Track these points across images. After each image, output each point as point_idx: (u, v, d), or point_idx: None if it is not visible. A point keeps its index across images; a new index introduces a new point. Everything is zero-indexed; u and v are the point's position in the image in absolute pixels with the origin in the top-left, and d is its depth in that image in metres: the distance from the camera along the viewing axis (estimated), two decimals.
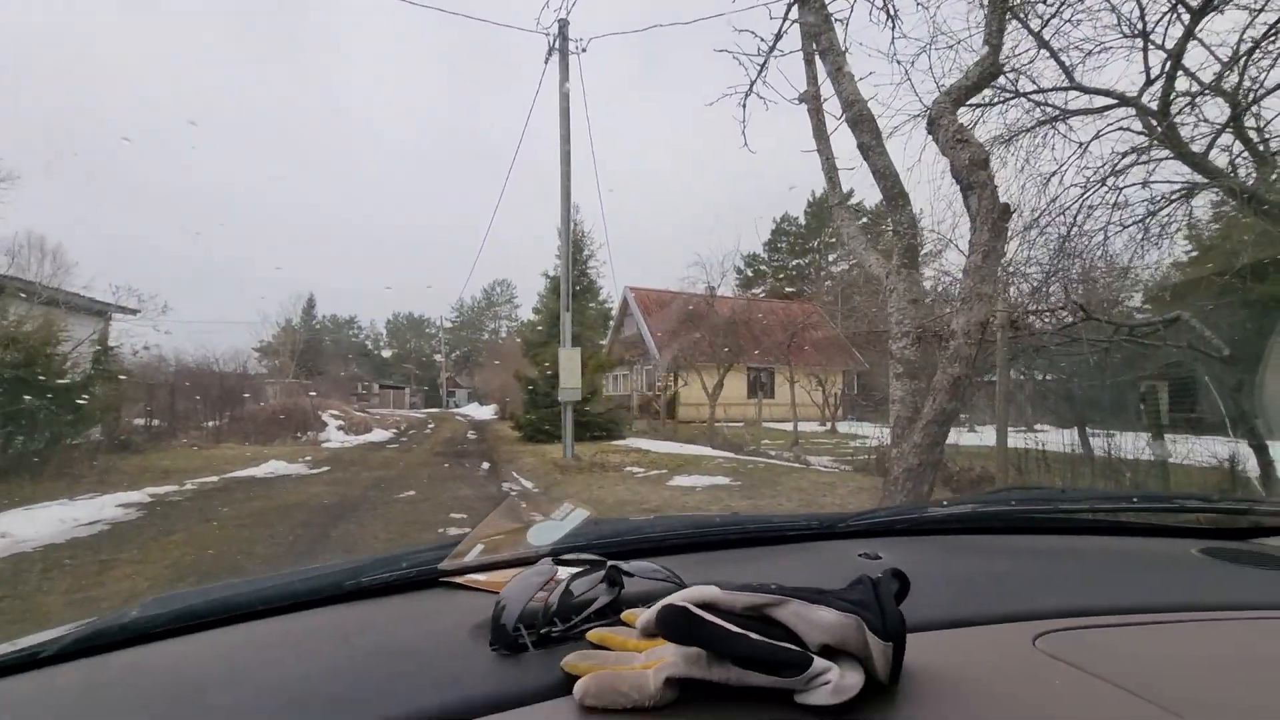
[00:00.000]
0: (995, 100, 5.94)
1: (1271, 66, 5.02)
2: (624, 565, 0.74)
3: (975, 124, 6.08)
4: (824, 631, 0.56)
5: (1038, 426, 9.26)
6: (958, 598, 0.72)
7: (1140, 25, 5.29)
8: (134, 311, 12.09)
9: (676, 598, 0.61)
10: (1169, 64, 5.13)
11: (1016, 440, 6.91)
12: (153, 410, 13.31)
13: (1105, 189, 5.88)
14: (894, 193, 2.86)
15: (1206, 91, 5.21)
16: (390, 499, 6.77)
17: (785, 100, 3.64)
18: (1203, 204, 6.62)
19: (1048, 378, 9.36)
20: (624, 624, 0.64)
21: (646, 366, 23.58)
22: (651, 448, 13.09)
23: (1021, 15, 5.12)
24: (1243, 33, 5.07)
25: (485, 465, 11.15)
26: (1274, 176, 5.73)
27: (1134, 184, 5.93)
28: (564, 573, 0.71)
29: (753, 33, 3.66)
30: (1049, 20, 5.24)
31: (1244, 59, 5.08)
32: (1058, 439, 7.57)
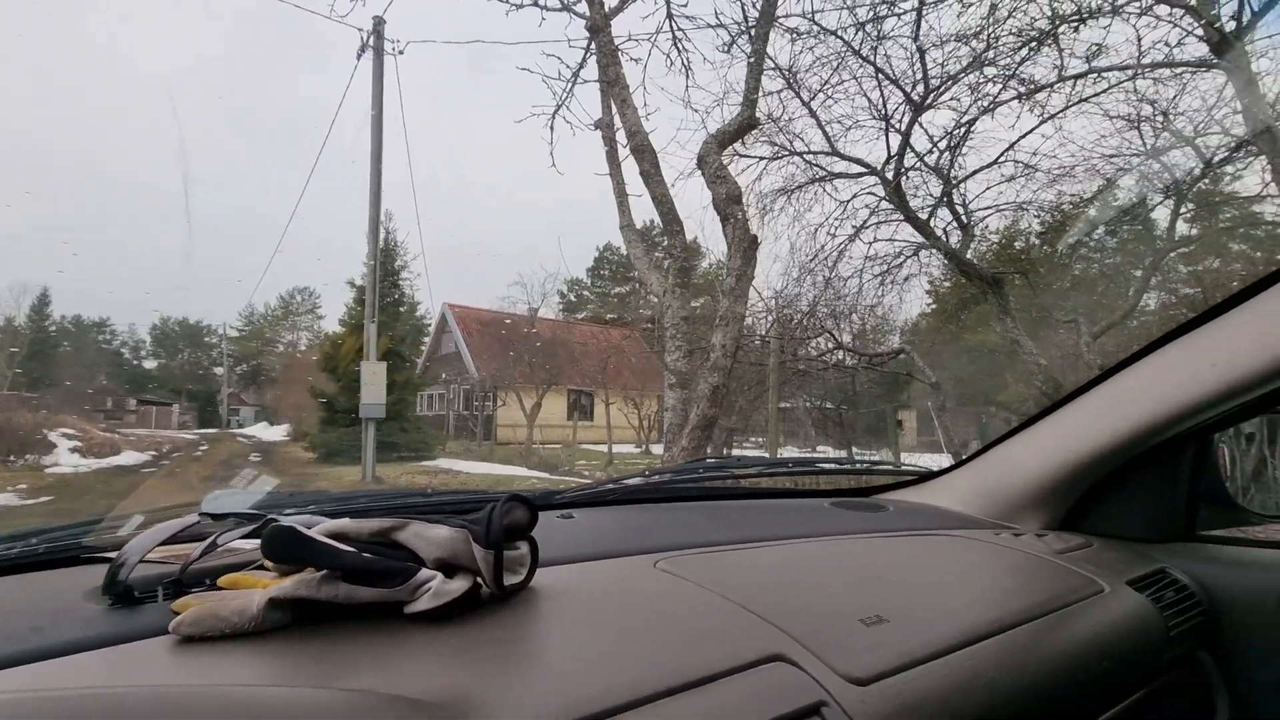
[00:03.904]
0: (777, 155, 6.88)
1: (963, 156, 6.42)
2: (288, 520, 0.73)
3: (760, 175, 6.97)
4: (437, 546, 0.61)
5: (819, 448, 10.59)
6: (606, 539, 0.84)
7: (883, 110, 6.47)
8: None
9: (291, 521, 0.63)
10: (901, 145, 6.33)
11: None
12: None
13: (860, 242, 7.08)
14: (669, 219, 3.19)
15: (927, 169, 6.52)
16: None
17: (584, 126, 3.88)
18: (938, 262, 8.14)
19: (826, 405, 10.77)
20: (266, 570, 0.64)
21: (464, 386, 22.75)
22: (464, 468, 12.60)
23: (795, 88, 6.01)
24: (952, 129, 6.43)
25: None
26: (971, 244, 7.28)
27: (882, 239, 7.24)
28: (227, 536, 0.69)
29: (558, 58, 3.88)
30: (816, 94, 6.22)
31: (953, 149, 6.43)
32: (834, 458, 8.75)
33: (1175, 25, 4.16)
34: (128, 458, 15.43)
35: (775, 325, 6.55)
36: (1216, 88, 4.86)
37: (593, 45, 3.52)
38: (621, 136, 3.45)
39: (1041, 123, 5.98)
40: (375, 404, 10.48)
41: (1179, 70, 4.96)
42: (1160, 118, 5.78)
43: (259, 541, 0.65)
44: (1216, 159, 5.99)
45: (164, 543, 0.63)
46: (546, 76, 3.77)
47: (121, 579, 0.56)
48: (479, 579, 0.61)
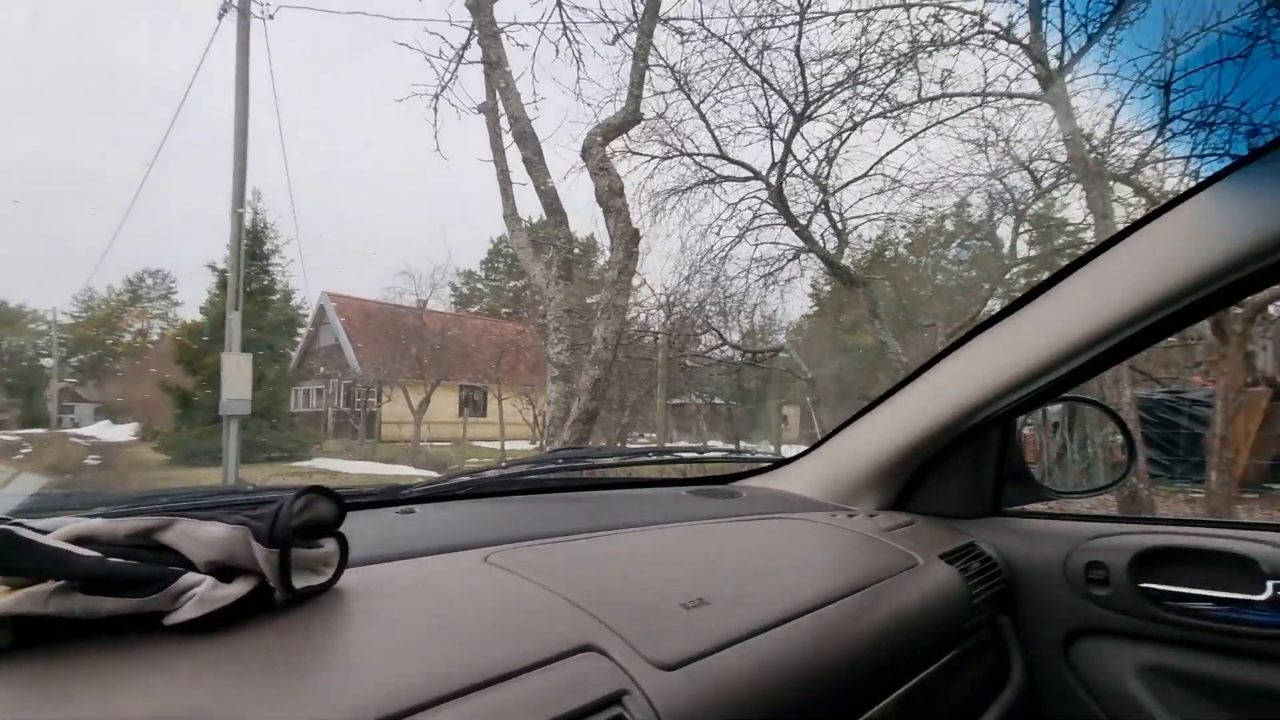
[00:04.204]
0: (669, 155, 7.02)
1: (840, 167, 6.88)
2: (35, 524, 0.63)
3: (652, 174, 7.09)
4: (210, 547, 0.54)
5: (710, 442, 10.96)
6: (442, 535, 0.79)
7: (768, 118, 6.78)
8: None
9: (32, 526, 0.53)
10: (783, 152, 6.67)
11: None
12: None
13: (746, 244, 7.39)
14: (553, 209, 3.15)
15: (807, 177, 6.92)
16: None
17: (468, 110, 3.73)
18: (816, 266, 8.63)
19: (716, 400, 11.15)
20: None
21: (345, 381, 21.36)
22: (343, 468, 11.82)
23: (685, 90, 6.16)
24: (830, 140, 6.84)
25: None
26: (846, 250, 7.82)
27: (766, 242, 7.60)
28: None
29: (441, 36, 3.69)
30: (705, 98, 6.41)
31: (830, 160, 6.85)
32: None
33: (1013, 60, 4.68)
34: None
35: (666, 322, 6.69)
36: (1046, 120, 5.53)
37: (474, 24, 3.40)
38: (505, 123, 3.37)
39: (905, 140, 6.53)
40: (239, 400, 9.57)
41: (1017, 101, 5.60)
42: (1002, 143, 6.50)
43: None
44: (1045, 185, 6.83)
45: None
46: (429, 55, 3.60)
47: None
48: (264, 582, 0.55)
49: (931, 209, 7.95)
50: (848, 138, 6.53)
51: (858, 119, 6.19)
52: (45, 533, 0.51)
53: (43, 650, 0.45)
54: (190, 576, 0.51)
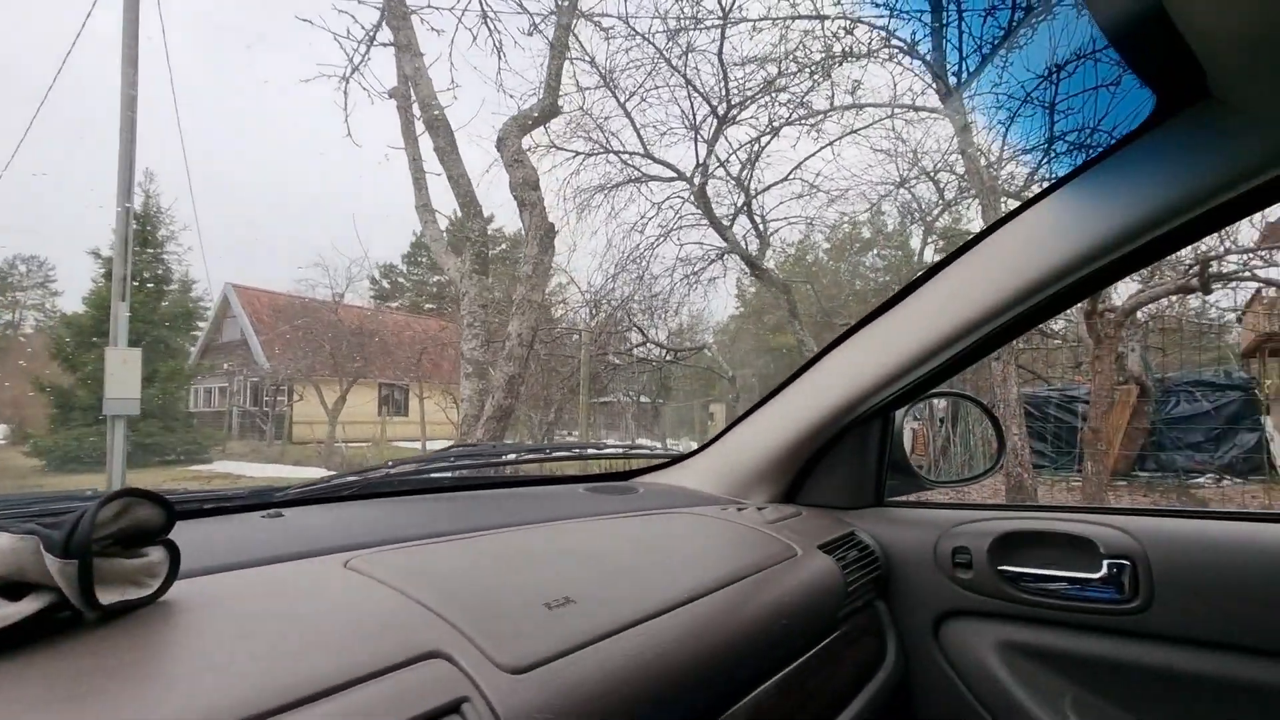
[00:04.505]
0: (594, 152, 7.00)
1: (763, 170, 7.07)
2: None
3: (578, 170, 7.04)
4: None
5: (637, 440, 11.01)
6: (305, 539, 0.74)
7: (692, 119, 6.88)
8: None
9: None
10: (706, 154, 6.79)
11: None
12: None
13: (672, 243, 7.47)
14: (466, 200, 3.07)
15: (729, 178, 7.07)
16: None
17: (379, 95, 3.56)
18: (737, 267, 8.82)
19: (642, 399, 11.21)
20: None
21: (251, 378, 20.04)
22: (246, 472, 11.10)
23: (611, 87, 6.15)
24: (751, 144, 7.02)
25: None
26: (768, 252, 8.05)
27: (691, 242, 7.71)
28: None
29: (350, 15, 3.50)
30: (631, 96, 6.42)
31: (751, 163, 7.03)
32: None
33: (917, 75, 4.96)
34: None
35: (591, 320, 6.66)
36: (948, 134, 5.90)
37: (385, 4, 3.25)
38: (418, 110, 3.24)
39: (821, 148, 6.79)
40: (125, 399, 8.76)
41: (921, 114, 5.93)
42: (910, 154, 6.87)
43: None
44: (948, 197, 7.27)
45: None
46: (335, 34, 3.40)
47: None
48: (61, 600, 0.49)
49: (847, 215, 8.30)
50: (768, 142, 6.73)
51: (777, 124, 6.38)
52: None
53: None
54: None
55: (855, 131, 6.21)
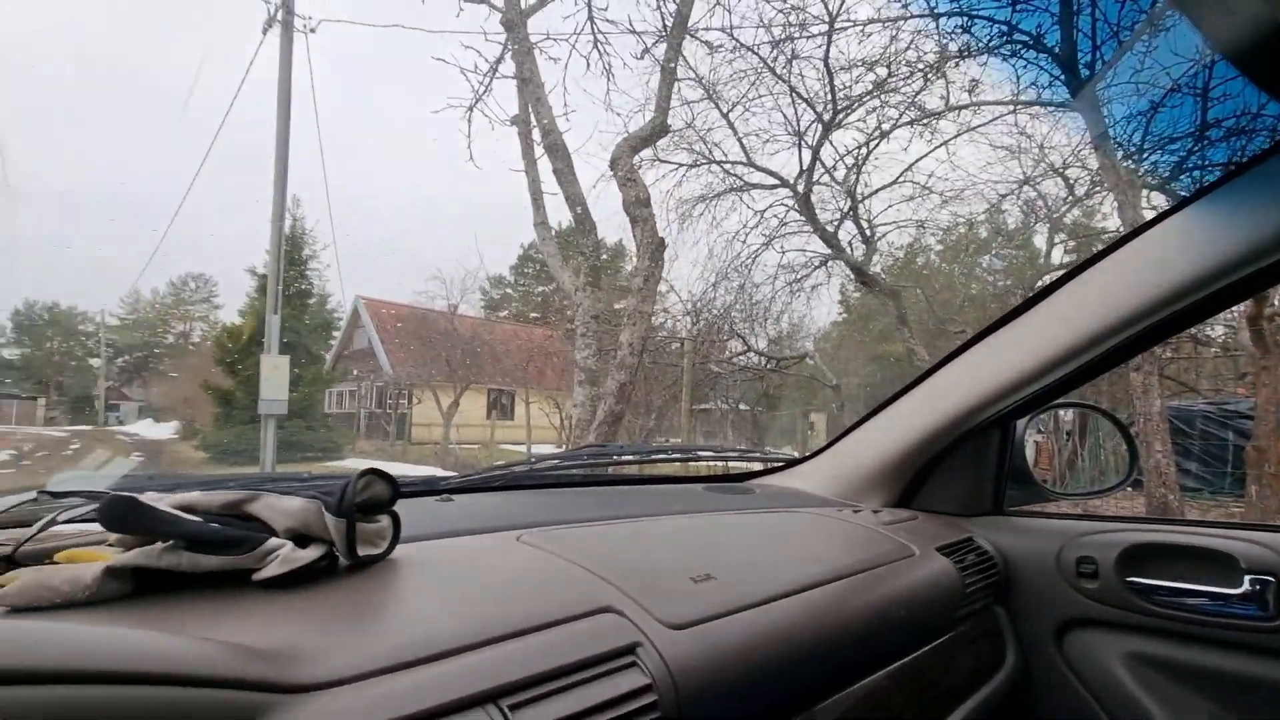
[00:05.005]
0: (696, 163, 7.11)
1: (870, 174, 6.87)
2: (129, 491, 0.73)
3: (680, 181, 7.18)
4: (289, 516, 0.64)
5: (753, 448, 10.96)
6: (477, 519, 0.89)
7: (796, 126, 6.82)
8: None
9: (145, 496, 0.63)
10: (811, 160, 6.71)
11: None
12: None
13: (774, 250, 7.43)
14: (582, 218, 3.27)
15: (835, 184, 6.94)
16: None
17: (501, 122, 3.88)
18: (843, 273, 8.60)
19: (741, 407, 11.16)
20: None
21: (377, 383, 21.83)
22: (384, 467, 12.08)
23: (714, 99, 6.24)
24: (858, 148, 6.85)
25: None
26: (875, 257, 7.79)
27: (794, 249, 7.62)
28: (67, 515, 0.68)
29: (476, 50, 3.85)
30: (734, 107, 6.48)
31: (858, 167, 6.86)
32: None
33: (1043, 68, 4.65)
34: None
35: (693, 328, 6.75)
36: (1078, 127, 5.47)
37: (508, 40, 3.55)
38: (537, 135, 3.49)
39: (935, 148, 6.51)
40: (276, 400, 9.89)
41: (1049, 109, 5.55)
42: (1035, 150, 6.43)
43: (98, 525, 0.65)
44: (1079, 192, 6.72)
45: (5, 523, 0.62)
46: (464, 69, 3.77)
47: None
48: (333, 549, 0.64)
49: (962, 216, 7.88)
50: (876, 145, 6.54)
51: (886, 127, 6.20)
52: (155, 501, 0.61)
53: (157, 597, 0.55)
54: (274, 541, 0.61)
55: (973, 129, 5.91)
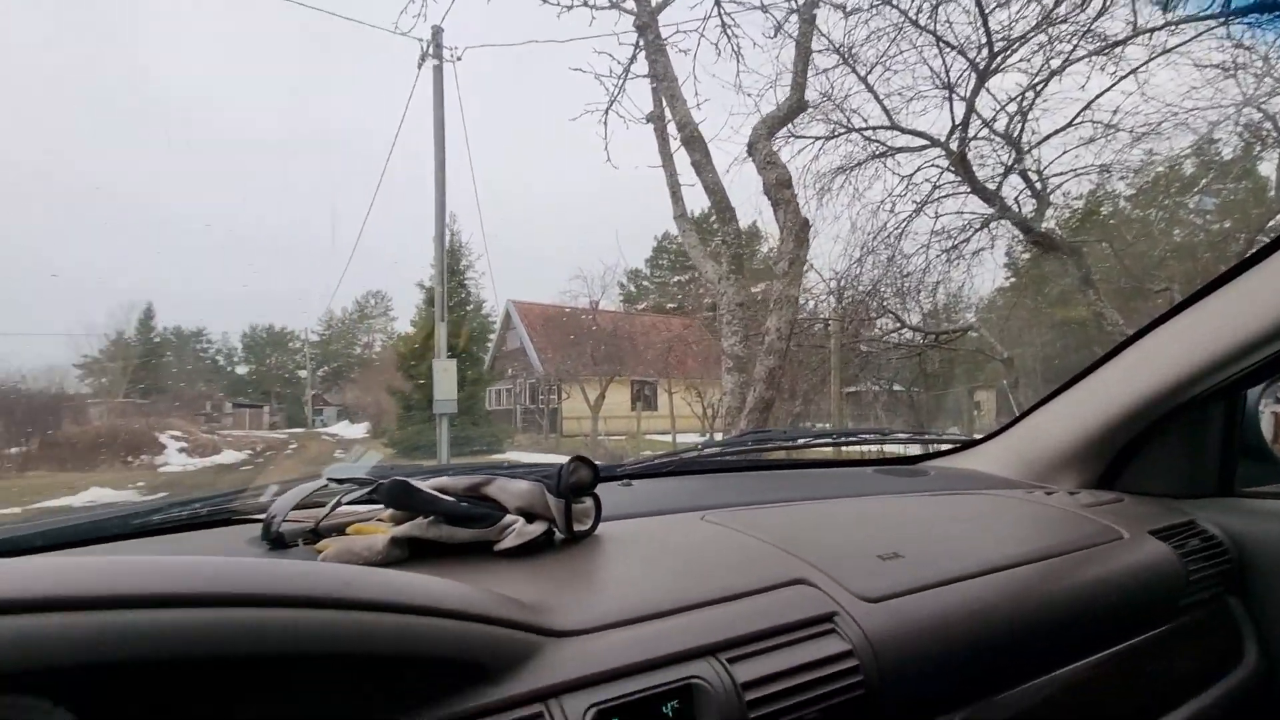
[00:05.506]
0: (834, 134, 6.75)
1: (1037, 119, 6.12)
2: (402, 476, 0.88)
3: (816, 155, 6.87)
4: (518, 497, 0.75)
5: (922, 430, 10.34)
6: (660, 501, 0.96)
7: (945, 78, 6.25)
8: None
9: (413, 480, 0.77)
10: (965, 113, 6.10)
11: None
12: None
13: (925, 216, 6.87)
14: (722, 207, 3.27)
15: (995, 136, 6.26)
16: None
17: (637, 121, 3.99)
18: (1008, 234, 7.79)
19: (895, 387, 10.51)
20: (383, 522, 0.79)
21: (530, 380, 23.39)
22: (532, 460, 13.01)
23: (850, 63, 5.89)
24: (1023, 91, 6.13)
25: None
26: (1048, 212, 6.93)
27: (949, 213, 7.00)
28: (347, 498, 0.85)
29: (609, 55, 4.01)
30: (873, 68, 6.07)
31: (1023, 114, 6.14)
32: None
33: None
34: (227, 456, 16.79)
35: (836, 308, 6.47)
36: None
37: (640, 42, 3.64)
38: (673, 129, 3.55)
39: (1120, 79, 5.63)
40: (447, 400, 10.97)
41: (1275, 14, 4.57)
42: (1260, 63, 5.33)
43: (371, 505, 0.81)
44: None
45: (300, 504, 0.78)
46: (598, 74, 3.93)
47: (274, 530, 0.71)
48: (553, 525, 0.74)
49: (1159, 154, 6.74)
50: (1044, 87, 5.81)
51: (1056, 64, 5.48)
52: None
53: (426, 561, 0.67)
54: (509, 517, 0.72)
55: (1169, 51, 5.04)
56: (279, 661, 0.37)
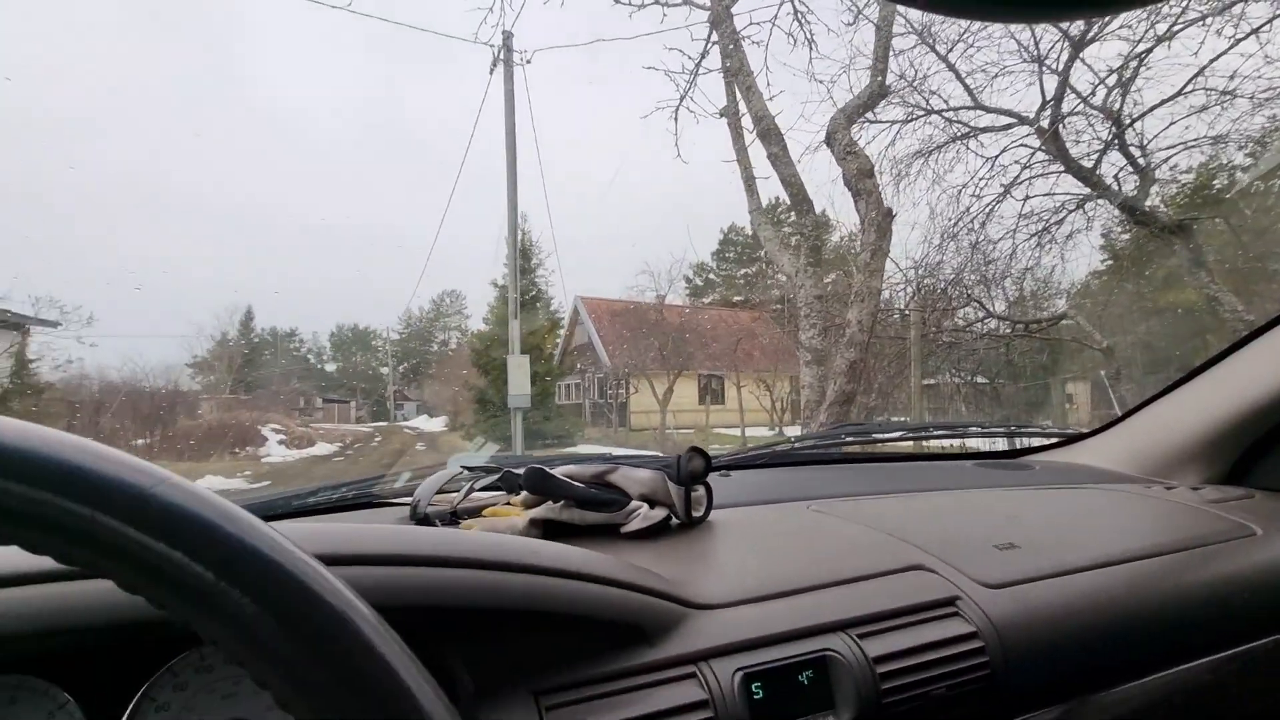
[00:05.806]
0: (912, 117, 6.49)
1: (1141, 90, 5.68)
2: (518, 471, 0.96)
3: (893, 140, 6.63)
4: (640, 484, 0.81)
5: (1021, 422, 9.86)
6: (762, 491, 0.99)
7: (1035, 51, 5.89)
8: (54, 324, 11.47)
9: (548, 466, 0.84)
10: (1058, 88, 5.74)
11: None
12: (76, 428, 12.70)
13: (1012, 199, 6.50)
14: (799, 199, 3.23)
15: (1092, 110, 5.85)
16: None
17: (709, 115, 3.99)
18: (1106, 214, 7.27)
19: (978, 380, 10.02)
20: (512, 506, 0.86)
21: (598, 374, 23.74)
22: (599, 453, 13.21)
23: (930, 42, 5.65)
24: (1125, 60, 5.71)
25: None
26: (1152, 188, 6.43)
27: (1039, 194, 6.59)
28: (478, 483, 0.93)
29: (680, 50, 4.02)
30: (954, 45, 5.79)
31: (1125, 85, 5.72)
32: None
33: None
34: (321, 449, 17.94)
35: (915, 297, 6.24)
36: None
37: (714, 36, 3.65)
38: (747, 122, 3.55)
39: (1238, 40, 5.13)
40: (521, 394, 11.30)
41: None
42: None
43: (496, 491, 0.88)
44: None
45: (440, 489, 0.86)
46: (670, 71, 3.96)
47: (420, 511, 0.80)
48: (672, 510, 0.79)
49: None
50: (1147, 54, 5.38)
51: (1163, 30, 5.07)
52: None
53: (564, 541, 0.74)
54: (634, 502, 0.78)
55: None
56: (490, 614, 0.44)
